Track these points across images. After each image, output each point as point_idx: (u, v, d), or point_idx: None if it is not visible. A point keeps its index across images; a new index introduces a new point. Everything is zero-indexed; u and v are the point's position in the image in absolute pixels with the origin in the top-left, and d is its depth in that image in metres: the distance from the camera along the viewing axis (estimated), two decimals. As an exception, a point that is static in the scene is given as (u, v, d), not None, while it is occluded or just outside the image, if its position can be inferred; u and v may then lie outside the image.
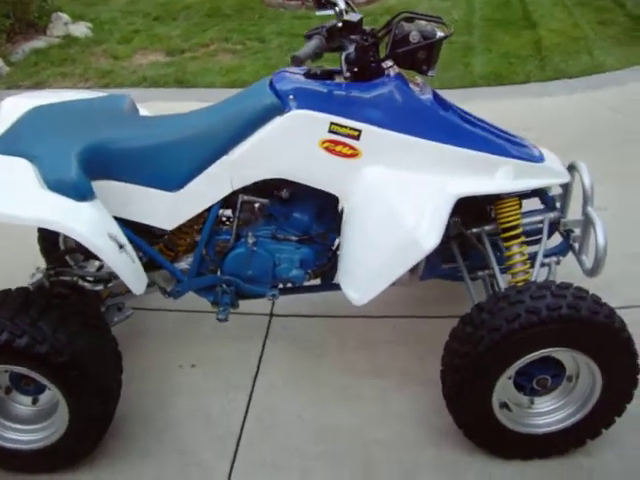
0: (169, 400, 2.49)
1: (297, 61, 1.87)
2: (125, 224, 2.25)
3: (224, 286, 2.39)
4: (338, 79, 2.17)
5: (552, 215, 2.41)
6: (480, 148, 2.15)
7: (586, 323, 1.93)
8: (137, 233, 2.32)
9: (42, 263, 2.75)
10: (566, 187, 2.43)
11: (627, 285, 2.95)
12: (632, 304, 2.85)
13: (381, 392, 2.48)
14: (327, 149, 2.12)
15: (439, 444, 2.25)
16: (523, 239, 2.32)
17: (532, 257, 2.47)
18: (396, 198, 2.08)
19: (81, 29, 6.97)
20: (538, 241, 2.53)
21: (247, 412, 2.42)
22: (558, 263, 2.49)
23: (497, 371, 2.01)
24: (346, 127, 2.09)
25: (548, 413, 2.16)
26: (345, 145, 2.11)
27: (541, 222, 2.40)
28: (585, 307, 1.93)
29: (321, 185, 2.19)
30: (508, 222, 2.31)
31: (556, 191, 2.48)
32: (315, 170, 2.17)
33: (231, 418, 2.40)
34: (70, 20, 7.04)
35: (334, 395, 2.48)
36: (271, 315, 2.90)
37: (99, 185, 2.14)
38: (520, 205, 2.50)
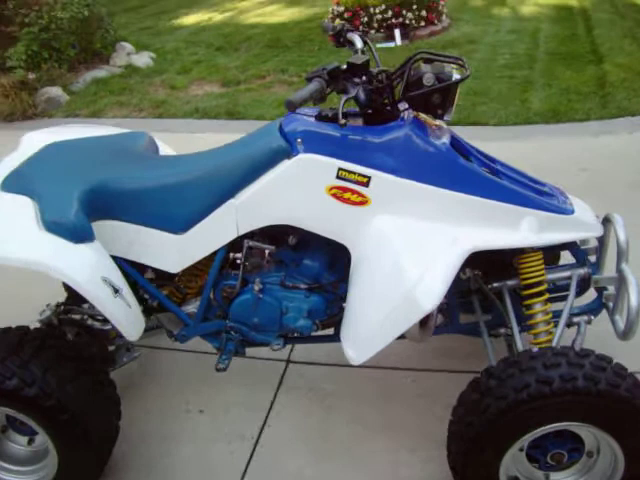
0: (171, 445, 2.41)
1: (290, 106, 1.79)
2: (132, 265, 2.22)
3: (230, 333, 2.30)
4: (352, 122, 2.07)
5: (581, 271, 2.22)
6: (500, 198, 2.01)
7: (604, 397, 1.74)
8: (145, 275, 2.28)
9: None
10: (602, 241, 2.25)
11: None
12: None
13: (392, 452, 2.32)
14: (335, 196, 2.02)
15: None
16: (546, 296, 2.15)
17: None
18: (402, 250, 1.95)
19: (144, 59, 7.15)
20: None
21: (248, 465, 2.31)
22: (589, 322, 2.29)
23: (504, 443, 1.84)
24: (355, 173, 1.99)
25: (565, 492, 1.97)
26: (354, 192, 2.01)
27: (569, 278, 2.22)
28: (604, 379, 1.75)
29: (328, 233, 2.09)
30: (530, 278, 2.14)
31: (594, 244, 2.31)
32: (322, 218, 2.07)
33: (231, 471, 2.29)
34: (133, 50, 7.24)
35: (341, 452, 2.34)
36: (288, 361, 2.79)
37: (104, 225, 2.12)
38: (557, 258, 2.36)
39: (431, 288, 1.82)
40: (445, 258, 1.88)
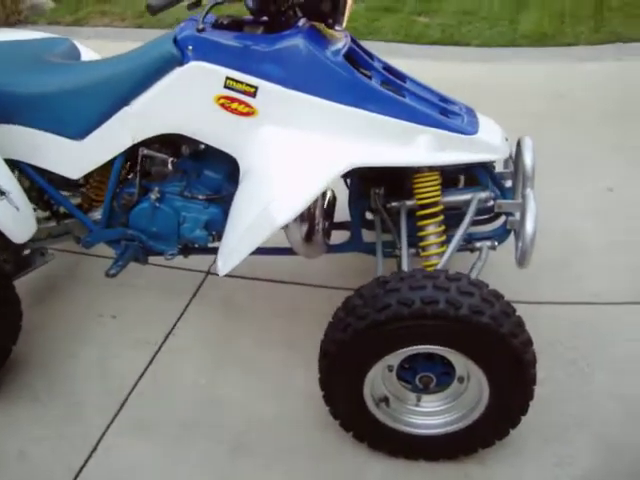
0: (76, 348, 2.46)
1: (151, 10, 1.73)
2: (38, 171, 2.23)
3: (130, 241, 2.31)
4: (249, 30, 2.00)
5: (483, 195, 2.16)
6: (393, 114, 1.94)
7: (465, 323, 1.71)
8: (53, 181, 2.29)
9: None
10: (517, 166, 2.18)
11: (597, 278, 2.67)
12: (595, 300, 2.58)
13: (290, 366, 2.35)
14: (223, 106, 1.96)
15: (325, 430, 2.10)
16: (440, 218, 2.11)
17: (469, 240, 2.27)
18: (278, 163, 1.91)
19: (134, -33, 6.92)
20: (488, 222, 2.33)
21: (145, 371, 2.36)
22: (493, 248, 2.25)
23: (365, 363, 1.84)
24: (242, 83, 1.92)
25: (433, 414, 1.97)
26: (241, 102, 1.95)
27: (469, 202, 2.16)
28: (468, 305, 1.72)
29: (217, 144, 2.04)
30: (425, 198, 2.09)
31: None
32: (211, 128, 2.02)
33: (128, 375, 2.34)
34: (124, -43, 7.00)
35: (240, 363, 2.38)
36: (208, 273, 2.81)
37: (8, 129, 2.13)
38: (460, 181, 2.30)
39: (288, 203, 1.80)
40: (315, 173, 1.84)
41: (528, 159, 2.10)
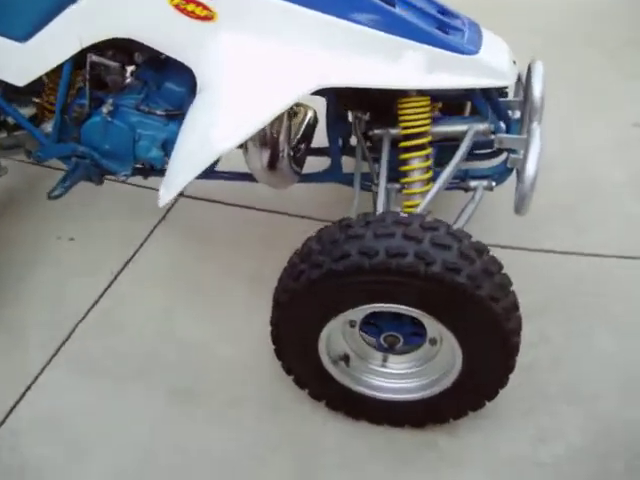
0: (29, 271, 2.26)
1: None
2: None
3: (81, 158, 2.06)
4: None
5: (481, 126, 1.85)
6: (379, 26, 1.62)
7: (436, 282, 1.45)
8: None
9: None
10: (527, 95, 1.85)
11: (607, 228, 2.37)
12: (602, 252, 2.29)
13: (252, 307, 2.10)
14: (178, 7, 1.66)
15: (282, 381, 1.89)
16: (428, 151, 1.82)
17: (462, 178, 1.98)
18: (236, 80, 1.61)
19: None
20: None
21: (97, 302, 2.15)
22: (490, 189, 1.95)
23: (320, 318, 1.60)
24: (199, -21, 1.61)
25: (400, 377, 1.74)
26: (198, 4, 1.64)
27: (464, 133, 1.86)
28: (442, 260, 1.44)
29: (170, 51, 1.74)
30: (411, 127, 1.79)
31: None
32: (163, 32, 1.72)
33: (78, 305, 2.15)
34: None
35: (202, 300, 2.16)
36: (180, 195, 2.55)
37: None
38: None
39: (231, 128, 1.53)
40: (274, 92, 1.56)
41: (537, 88, 1.78)
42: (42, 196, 2.51)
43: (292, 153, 1.87)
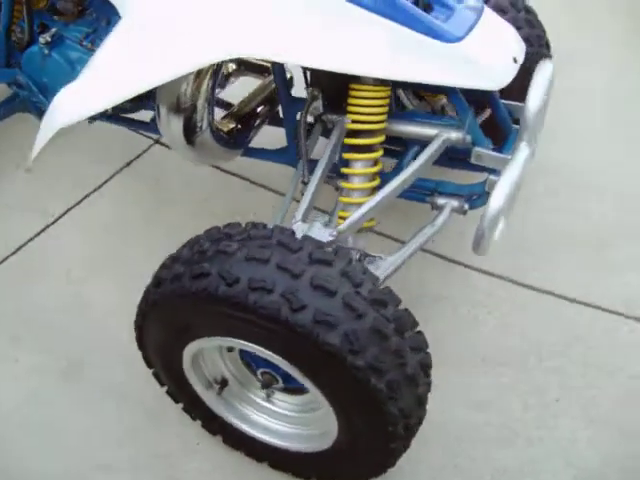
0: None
1: None
2: None
3: (18, 87, 1.83)
4: None
5: (453, 135, 1.46)
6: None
7: (299, 335, 1.12)
8: None
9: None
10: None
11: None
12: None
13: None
14: None
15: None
16: (378, 154, 1.45)
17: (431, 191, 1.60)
18: (139, 38, 1.31)
19: None
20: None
21: (21, 247, 1.96)
22: (462, 212, 1.56)
23: (176, 334, 1.32)
24: None
25: (280, 417, 1.45)
26: None
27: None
28: (314, 308, 1.11)
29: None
30: (360, 122, 1.43)
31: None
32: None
33: (13, 239, 1.98)
34: None
35: (127, 266, 1.91)
36: (156, 142, 2.29)
37: None
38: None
39: (80, 100, 1.24)
40: (167, 56, 1.25)
41: (534, 98, 1.37)
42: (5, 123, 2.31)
43: (225, 125, 1.56)
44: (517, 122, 1.55)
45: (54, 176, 2.16)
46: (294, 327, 1.11)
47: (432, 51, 1.30)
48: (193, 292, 1.18)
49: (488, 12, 1.44)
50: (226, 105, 1.82)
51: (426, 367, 1.24)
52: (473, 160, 1.49)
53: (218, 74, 1.47)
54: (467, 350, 1.75)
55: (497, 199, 1.32)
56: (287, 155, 1.71)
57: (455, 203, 1.55)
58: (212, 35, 1.26)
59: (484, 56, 1.35)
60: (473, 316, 1.84)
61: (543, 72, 1.40)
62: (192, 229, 1.35)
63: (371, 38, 1.29)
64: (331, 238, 1.34)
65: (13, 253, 1.96)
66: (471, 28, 1.36)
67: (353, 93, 1.40)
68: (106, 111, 1.65)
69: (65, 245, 1.99)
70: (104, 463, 1.53)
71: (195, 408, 1.48)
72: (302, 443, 1.39)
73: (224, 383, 1.44)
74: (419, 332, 1.24)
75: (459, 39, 1.32)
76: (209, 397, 1.43)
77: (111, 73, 1.26)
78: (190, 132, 1.49)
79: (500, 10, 1.74)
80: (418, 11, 1.31)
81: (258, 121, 1.71)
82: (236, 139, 1.65)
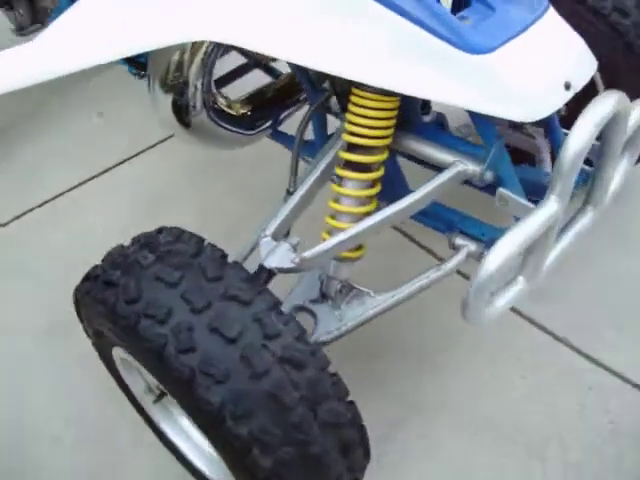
0: (37, 139, 2.13)
1: None
2: None
3: None
4: None
5: (470, 167, 1.17)
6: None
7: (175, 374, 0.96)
8: None
9: None
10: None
11: None
12: None
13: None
14: None
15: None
16: (374, 175, 1.21)
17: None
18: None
19: None
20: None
21: (61, 194, 1.95)
22: (477, 258, 1.27)
23: (102, 340, 1.20)
24: None
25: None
26: None
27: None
28: (202, 354, 0.94)
29: None
30: (356, 134, 1.18)
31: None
32: None
33: (47, 187, 1.97)
34: None
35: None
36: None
37: None
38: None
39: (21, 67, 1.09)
40: (128, 30, 1.08)
41: (574, 140, 1.05)
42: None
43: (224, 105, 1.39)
44: (588, 162, 1.24)
45: (115, 131, 2.14)
46: (175, 370, 0.95)
47: (448, 61, 1.03)
48: (98, 298, 1.06)
49: (550, 17, 1.12)
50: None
51: (347, 447, 1.03)
52: (497, 203, 1.19)
53: (218, 51, 1.29)
54: (477, 412, 1.48)
55: (490, 263, 1.04)
56: (312, 147, 1.50)
57: (473, 247, 1.27)
58: (183, 11, 1.07)
59: (518, 76, 1.05)
60: (505, 375, 1.55)
61: (599, 106, 1.06)
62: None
63: (371, 36, 1.04)
64: (292, 265, 1.14)
65: (52, 199, 1.96)
66: (512, 37, 1.06)
67: (353, 99, 1.16)
68: None
69: (92, 204, 1.95)
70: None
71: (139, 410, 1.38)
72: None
73: (161, 394, 1.31)
74: (349, 403, 1.02)
75: (489, 50, 1.03)
76: (144, 402, 1.32)
77: (67, 41, 1.12)
78: (181, 112, 1.33)
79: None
80: (438, 6, 1.03)
81: (283, 106, 1.51)
82: (250, 123, 1.47)
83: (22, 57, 1.09)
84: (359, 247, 1.26)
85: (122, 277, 1.03)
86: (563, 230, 1.28)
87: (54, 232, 1.86)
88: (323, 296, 1.27)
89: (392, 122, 1.17)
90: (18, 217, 1.91)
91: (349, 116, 1.17)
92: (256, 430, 0.93)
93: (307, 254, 1.15)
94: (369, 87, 1.12)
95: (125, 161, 2.06)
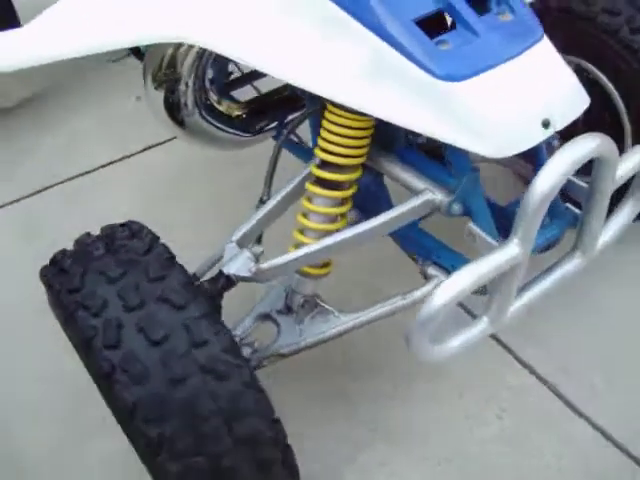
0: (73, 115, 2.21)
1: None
2: None
3: None
4: None
5: (438, 197, 1.14)
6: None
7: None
8: None
9: None
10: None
11: None
12: None
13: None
14: None
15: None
16: (343, 194, 1.19)
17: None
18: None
19: None
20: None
21: (87, 172, 2.02)
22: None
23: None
24: None
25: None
26: None
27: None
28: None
29: None
30: (325, 151, 1.16)
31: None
32: None
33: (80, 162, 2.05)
34: None
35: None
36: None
37: None
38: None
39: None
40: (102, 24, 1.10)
41: (540, 181, 1.01)
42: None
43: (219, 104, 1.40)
44: (575, 202, 1.19)
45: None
46: (97, 364, 0.96)
47: (416, 85, 1.00)
48: (50, 283, 1.08)
49: (541, 49, 1.07)
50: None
51: (266, 465, 1.02)
52: (465, 237, 1.15)
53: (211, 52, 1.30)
54: (444, 445, 1.44)
55: (436, 299, 1.01)
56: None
57: (443, 279, 1.22)
58: (167, 11, 1.08)
59: (489, 108, 1.01)
60: (481, 412, 1.50)
61: (569, 151, 1.00)
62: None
63: (345, 53, 1.02)
64: (248, 274, 1.14)
65: (79, 175, 2.03)
66: (490, 67, 1.01)
67: (326, 115, 1.14)
68: None
69: (127, 183, 2.00)
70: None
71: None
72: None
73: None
74: (274, 421, 1.01)
75: (461, 78, 1.00)
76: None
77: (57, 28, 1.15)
78: (173, 109, 1.35)
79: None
80: (414, 28, 1.00)
81: (283, 111, 1.49)
82: (248, 125, 1.47)
83: (14, 41, 1.13)
84: (326, 264, 1.25)
85: (72, 266, 1.06)
86: (547, 272, 1.23)
87: (76, 208, 1.93)
88: (287, 309, 1.27)
89: (365, 141, 1.15)
90: (46, 188, 1.99)
91: (322, 132, 1.16)
92: (166, 435, 0.94)
93: (264, 265, 1.15)
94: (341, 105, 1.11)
95: (156, 146, 2.11)
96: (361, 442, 1.45)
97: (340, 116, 1.12)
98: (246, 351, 1.25)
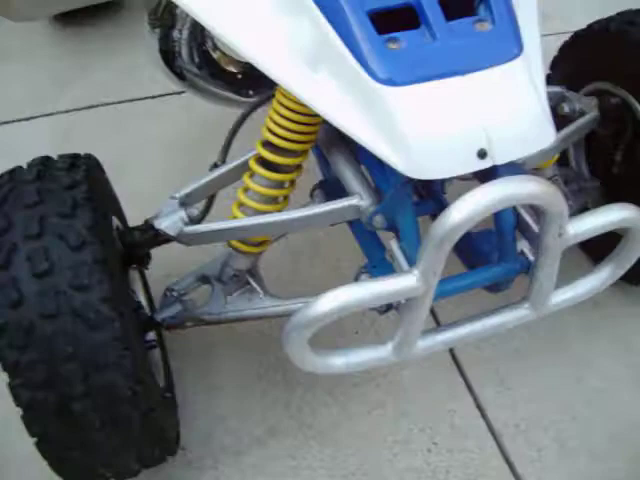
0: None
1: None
2: None
3: None
4: None
5: (362, 203, 1.11)
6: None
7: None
8: None
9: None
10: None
11: None
12: None
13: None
14: None
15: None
16: (287, 178, 1.16)
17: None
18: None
19: None
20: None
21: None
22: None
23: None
24: None
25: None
26: None
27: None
28: None
29: None
30: (271, 132, 1.12)
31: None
32: None
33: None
34: None
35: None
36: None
37: None
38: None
39: None
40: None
41: (446, 217, 0.91)
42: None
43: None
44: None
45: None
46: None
47: (349, 80, 0.94)
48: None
49: (510, 70, 0.94)
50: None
51: (122, 421, 1.03)
52: (389, 252, 1.07)
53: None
54: (364, 462, 1.38)
55: (312, 308, 0.95)
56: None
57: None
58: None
59: (420, 123, 0.91)
60: (413, 443, 1.41)
61: (499, 186, 0.89)
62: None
63: (290, 28, 0.97)
64: (173, 234, 1.14)
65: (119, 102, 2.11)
66: (438, 76, 0.91)
67: (276, 95, 1.09)
68: None
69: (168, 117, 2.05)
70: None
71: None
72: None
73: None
74: (137, 382, 1.01)
75: (399, 83, 0.91)
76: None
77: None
78: (168, 57, 1.34)
79: None
80: (364, 18, 0.93)
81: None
82: (245, 86, 1.44)
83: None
84: (261, 243, 1.22)
85: (5, 184, 1.09)
86: (485, 314, 1.13)
87: (118, 131, 2.00)
88: (218, 279, 1.26)
89: (312, 128, 1.09)
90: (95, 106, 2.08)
91: (270, 111, 1.11)
92: (23, 364, 0.96)
93: (188, 229, 1.14)
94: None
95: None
96: (275, 429, 1.41)
97: (285, 97, 1.07)
98: (176, 308, 1.26)
